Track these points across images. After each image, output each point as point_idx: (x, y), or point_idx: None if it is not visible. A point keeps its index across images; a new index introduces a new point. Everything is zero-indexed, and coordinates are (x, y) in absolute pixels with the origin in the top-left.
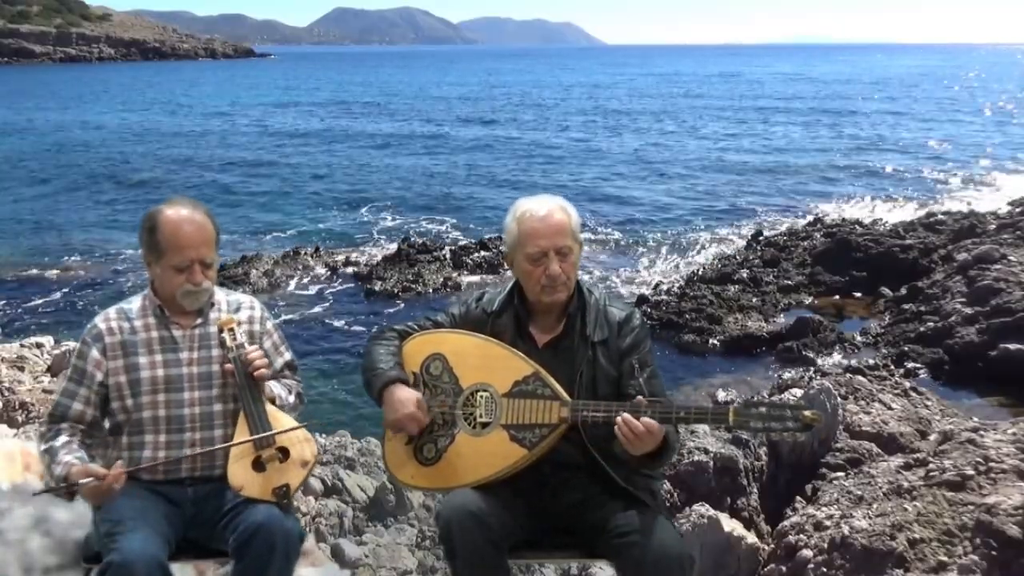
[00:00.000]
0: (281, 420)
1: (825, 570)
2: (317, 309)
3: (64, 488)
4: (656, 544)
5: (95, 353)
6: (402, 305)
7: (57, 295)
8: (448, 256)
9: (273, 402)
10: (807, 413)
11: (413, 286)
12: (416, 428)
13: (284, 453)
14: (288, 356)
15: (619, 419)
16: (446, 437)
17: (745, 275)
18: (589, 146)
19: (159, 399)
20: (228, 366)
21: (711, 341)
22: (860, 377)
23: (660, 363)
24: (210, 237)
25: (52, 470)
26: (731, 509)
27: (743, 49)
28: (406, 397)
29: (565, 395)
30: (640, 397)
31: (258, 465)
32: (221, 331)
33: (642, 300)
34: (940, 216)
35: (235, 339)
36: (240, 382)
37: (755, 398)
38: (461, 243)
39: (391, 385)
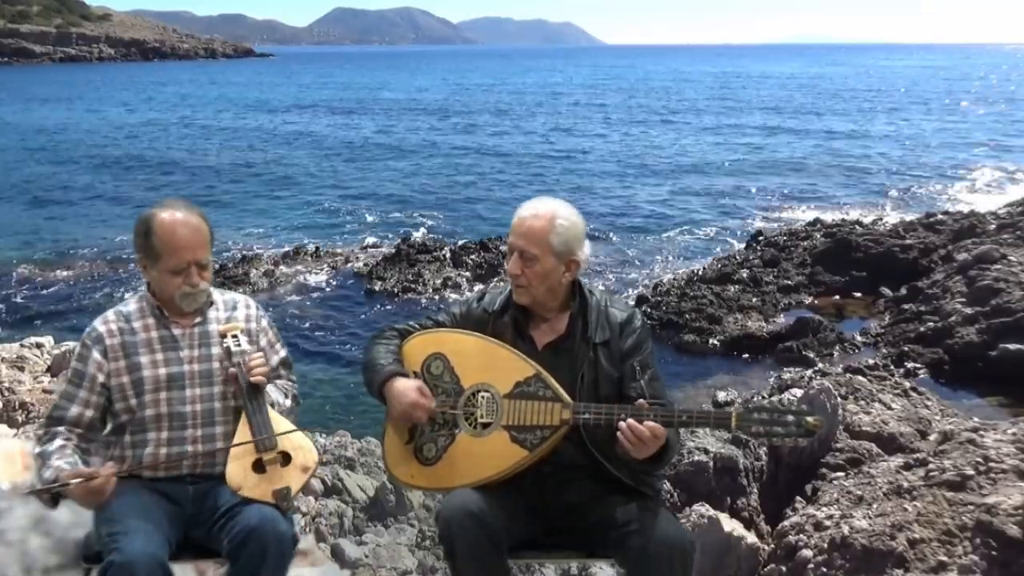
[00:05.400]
0: (283, 426)
1: (825, 570)
2: (317, 309)
3: (53, 488)
4: (657, 533)
5: (96, 355)
6: (402, 305)
7: (57, 295)
8: (448, 256)
9: (272, 407)
10: (810, 419)
11: (413, 286)
12: (424, 415)
13: (286, 458)
14: (283, 353)
15: (623, 425)
16: (446, 437)
17: (745, 275)
18: (588, 146)
19: (161, 397)
20: (232, 371)
21: (711, 341)
22: (860, 377)
23: (660, 363)
24: (205, 239)
25: (42, 474)
26: (731, 509)
27: (744, 49)
28: (406, 387)
29: (567, 397)
30: (641, 400)
31: (258, 467)
32: (224, 336)
33: (642, 300)
34: (940, 216)
35: (239, 345)
36: (243, 387)
37: (756, 400)
38: (461, 243)
39: (390, 380)
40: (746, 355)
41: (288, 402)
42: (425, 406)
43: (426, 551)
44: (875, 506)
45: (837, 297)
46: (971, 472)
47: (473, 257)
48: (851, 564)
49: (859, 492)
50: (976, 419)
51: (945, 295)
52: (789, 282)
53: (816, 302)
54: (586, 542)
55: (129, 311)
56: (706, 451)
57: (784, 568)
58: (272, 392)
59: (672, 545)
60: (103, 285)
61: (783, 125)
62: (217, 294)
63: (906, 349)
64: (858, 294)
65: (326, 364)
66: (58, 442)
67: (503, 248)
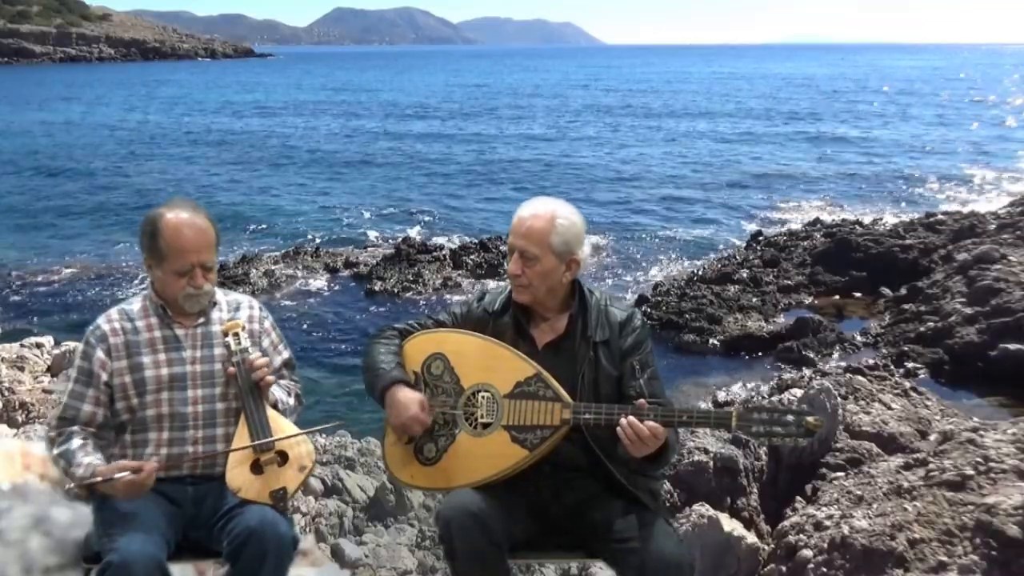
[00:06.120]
0: (281, 424)
1: (825, 570)
2: (317, 309)
3: (98, 483)
4: (656, 550)
5: (100, 354)
6: (402, 305)
7: (57, 295)
8: (448, 256)
9: (275, 407)
10: (810, 419)
11: (413, 286)
12: (420, 430)
13: (283, 457)
14: (286, 355)
15: (623, 421)
16: (447, 437)
17: (745, 275)
18: (587, 146)
19: (163, 397)
20: (232, 369)
21: (711, 341)
22: (860, 377)
23: (660, 363)
24: (211, 241)
25: (72, 472)
26: (731, 509)
27: (743, 50)
28: (409, 399)
29: (567, 397)
30: (642, 400)
31: (256, 468)
32: (226, 334)
33: (642, 300)
34: (940, 216)
35: (240, 343)
36: (244, 386)
37: (756, 400)
38: (461, 243)
39: (393, 386)
40: (746, 355)
41: (292, 401)
42: (424, 422)
43: (426, 551)
44: (875, 506)
45: (837, 297)
46: (971, 472)
47: (473, 257)
48: (851, 564)
49: (859, 492)
50: (976, 419)
51: (945, 295)
52: (789, 282)
53: (816, 302)
54: (586, 542)
55: (132, 310)
56: (706, 451)
57: (784, 568)
58: (277, 392)
59: (670, 564)
60: (103, 285)
61: (782, 125)
62: (221, 295)
63: (906, 349)
64: (858, 294)
65: (326, 364)
66: (77, 440)
67: (503, 248)
